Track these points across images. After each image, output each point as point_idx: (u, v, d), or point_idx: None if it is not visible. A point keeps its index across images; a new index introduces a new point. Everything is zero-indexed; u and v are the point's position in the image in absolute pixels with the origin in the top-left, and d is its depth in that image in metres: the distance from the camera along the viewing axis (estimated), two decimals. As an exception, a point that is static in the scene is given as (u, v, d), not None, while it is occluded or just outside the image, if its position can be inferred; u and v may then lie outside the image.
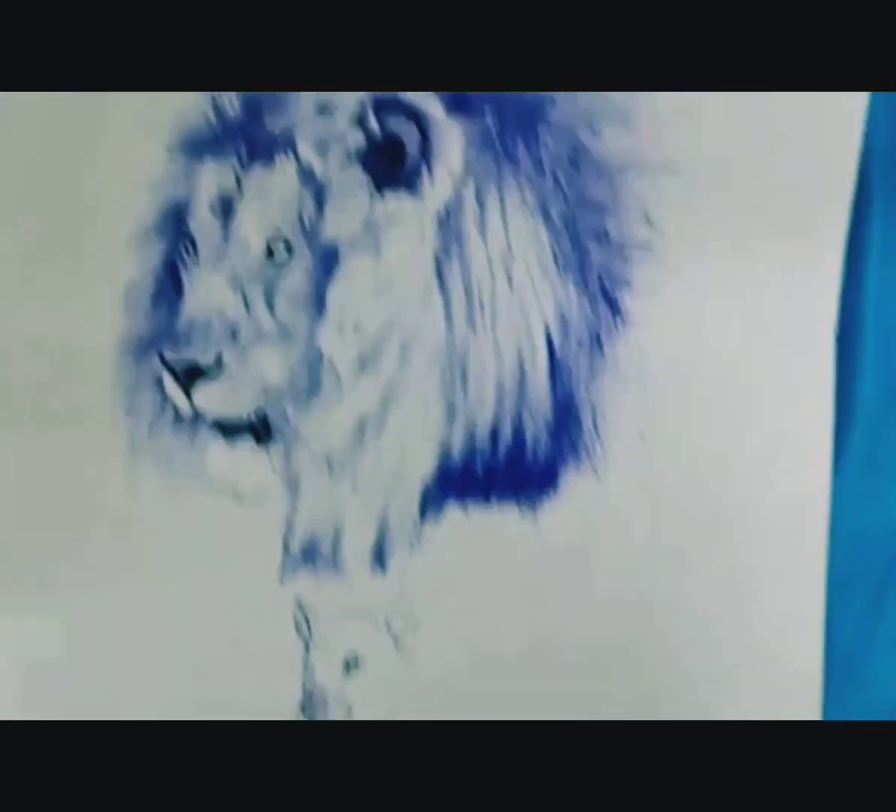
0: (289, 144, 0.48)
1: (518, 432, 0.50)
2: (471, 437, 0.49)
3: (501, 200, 0.49)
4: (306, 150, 0.48)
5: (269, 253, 0.48)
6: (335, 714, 0.48)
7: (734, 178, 0.50)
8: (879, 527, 0.53)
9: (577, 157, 0.48)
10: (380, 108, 0.48)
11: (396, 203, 0.48)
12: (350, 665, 0.48)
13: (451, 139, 0.48)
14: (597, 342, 0.50)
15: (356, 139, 0.48)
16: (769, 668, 0.52)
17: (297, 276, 0.48)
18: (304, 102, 0.48)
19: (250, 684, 0.47)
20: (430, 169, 0.48)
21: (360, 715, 0.48)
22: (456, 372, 0.49)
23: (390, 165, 0.48)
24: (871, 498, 0.53)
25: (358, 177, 0.48)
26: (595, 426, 0.50)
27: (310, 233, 0.48)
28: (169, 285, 0.48)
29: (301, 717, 0.48)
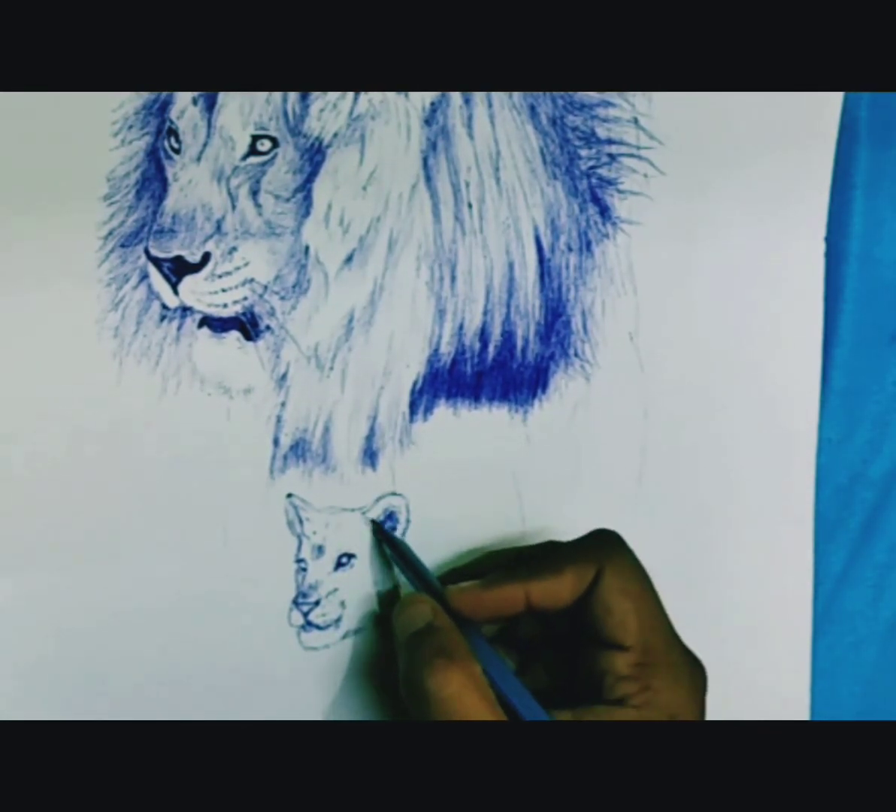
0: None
1: (507, 333, 0.49)
2: (460, 336, 0.49)
3: (488, 96, 0.49)
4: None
5: (253, 147, 0.47)
6: (328, 609, 0.49)
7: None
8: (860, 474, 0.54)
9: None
10: None
11: (381, 97, 0.47)
12: (342, 560, 0.49)
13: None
14: (586, 244, 0.50)
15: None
16: (758, 605, 0.53)
17: (281, 171, 0.47)
18: None
19: (243, 580, 0.48)
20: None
21: (352, 609, 0.49)
22: (444, 270, 0.49)
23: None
24: (850, 441, 0.53)
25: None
26: (584, 328, 0.50)
27: (294, 127, 0.47)
28: (154, 178, 0.47)
29: (294, 611, 0.48)
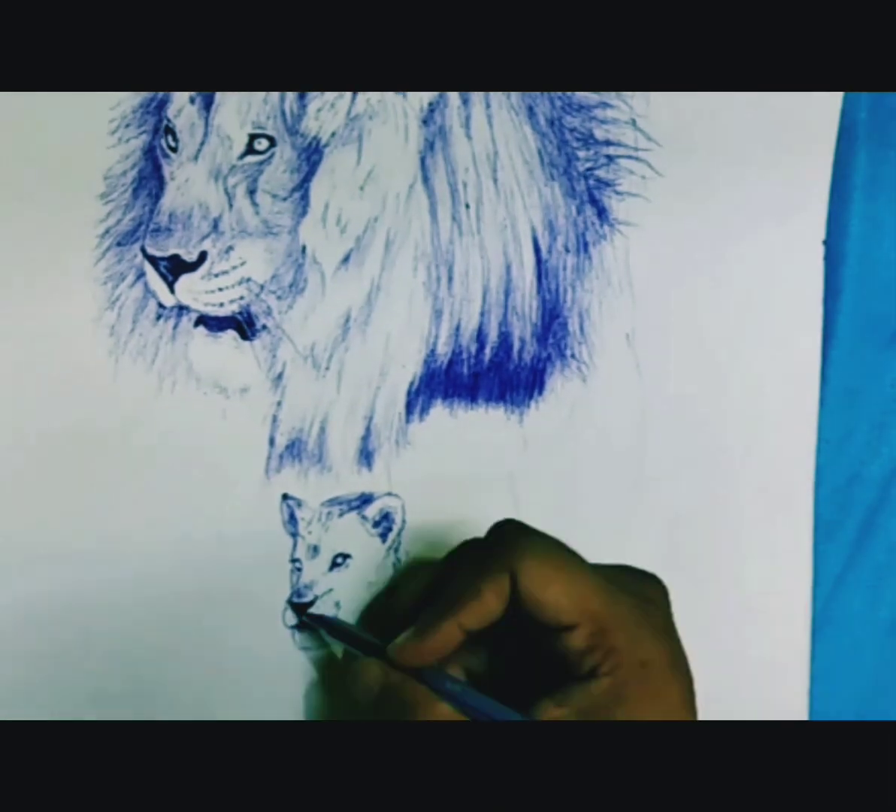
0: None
1: (504, 334, 0.49)
2: (456, 337, 0.49)
3: (486, 97, 0.48)
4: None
5: (251, 146, 0.47)
6: (323, 609, 0.49)
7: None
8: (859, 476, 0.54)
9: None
10: None
11: (379, 97, 0.47)
12: (337, 560, 0.49)
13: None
14: (583, 245, 0.50)
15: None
16: (757, 606, 0.52)
17: (279, 171, 0.47)
18: None
19: (237, 579, 0.47)
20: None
21: (347, 609, 0.49)
22: (441, 271, 0.49)
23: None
24: (848, 442, 0.53)
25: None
26: (581, 329, 0.50)
27: (291, 127, 0.47)
28: (151, 177, 0.47)
29: (288, 611, 0.48)
